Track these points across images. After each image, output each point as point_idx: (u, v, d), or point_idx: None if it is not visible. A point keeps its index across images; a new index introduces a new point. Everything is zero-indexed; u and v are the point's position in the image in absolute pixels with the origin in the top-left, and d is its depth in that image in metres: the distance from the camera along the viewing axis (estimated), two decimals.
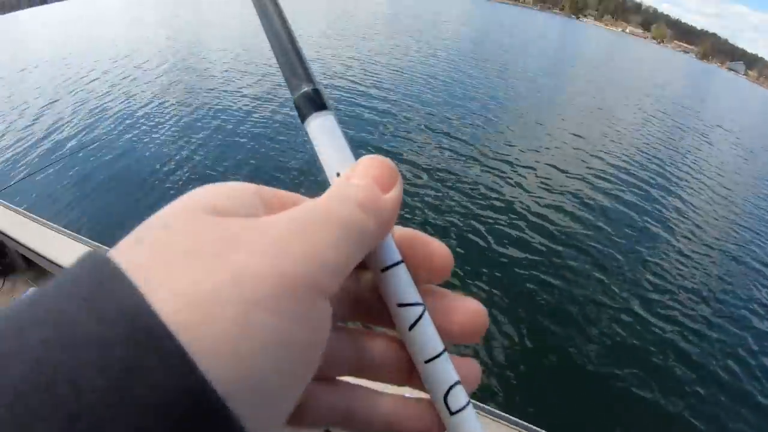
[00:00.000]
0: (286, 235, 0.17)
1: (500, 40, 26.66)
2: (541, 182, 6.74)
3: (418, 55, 15.31)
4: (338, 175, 0.21)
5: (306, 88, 0.22)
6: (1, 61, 12.47)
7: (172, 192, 5.54)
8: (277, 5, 0.24)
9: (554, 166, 7.39)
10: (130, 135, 7.60)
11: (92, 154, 7.08)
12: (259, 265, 0.15)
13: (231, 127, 7.59)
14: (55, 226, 2.24)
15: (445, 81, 11.88)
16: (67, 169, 6.51)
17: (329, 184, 0.21)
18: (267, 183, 0.21)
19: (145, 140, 7.34)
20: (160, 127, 7.77)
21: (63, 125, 8.43)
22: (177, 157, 6.59)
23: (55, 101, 9.41)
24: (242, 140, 7.12)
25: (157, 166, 6.37)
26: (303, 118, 0.22)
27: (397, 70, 11.99)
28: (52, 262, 2.04)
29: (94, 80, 10.46)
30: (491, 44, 23.59)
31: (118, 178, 6.22)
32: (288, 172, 6.23)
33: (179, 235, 0.16)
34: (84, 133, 7.93)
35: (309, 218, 0.18)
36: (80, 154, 7.06)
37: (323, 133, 0.21)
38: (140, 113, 8.39)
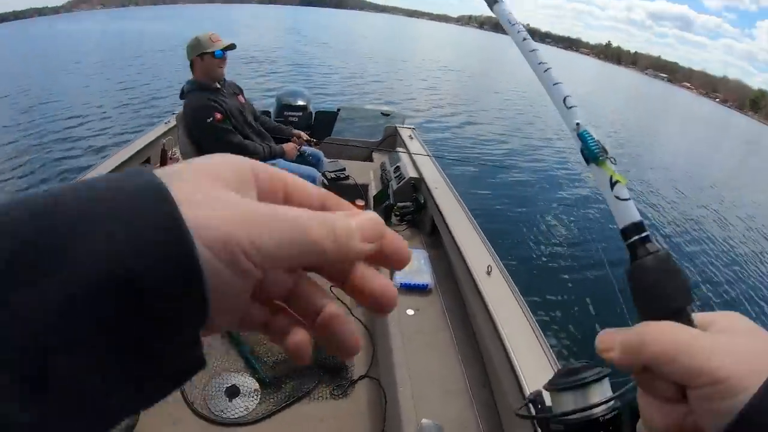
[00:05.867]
0: (258, 212, 0.21)
1: None
2: None
3: None
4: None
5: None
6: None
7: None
8: None
9: None
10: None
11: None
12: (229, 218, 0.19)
13: None
14: (471, 217, 2.57)
15: None
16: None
17: None
18: None
19: None
20: None
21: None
22: None
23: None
24: None
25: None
26: None
27: None
28: (455, 243, 2.31)
29: None
30: None
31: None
32: None
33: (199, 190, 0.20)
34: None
35: (282, 213, 0.22)
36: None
37: None
38: None
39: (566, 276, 5.41)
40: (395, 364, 1.80)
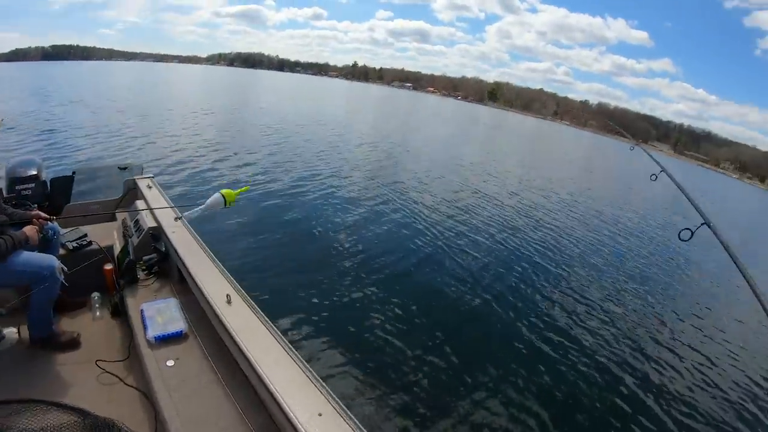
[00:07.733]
0: None
1: None
2: None
3: None
4: None
5: None
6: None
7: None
8: None
9: None
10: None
11: (278, 209, 8.51)
12: None
13: None
14: (210, 254, 2.65)
15: None
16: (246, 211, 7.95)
17: None
18: None
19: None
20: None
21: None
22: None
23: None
24: None
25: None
26: None
27: None
28: (195, 282, 2.38)
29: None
30: None
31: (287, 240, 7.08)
32: None
33: None
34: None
35: None
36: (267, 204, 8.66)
37: None
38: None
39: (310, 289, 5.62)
40: (167, 420, 1.78)
